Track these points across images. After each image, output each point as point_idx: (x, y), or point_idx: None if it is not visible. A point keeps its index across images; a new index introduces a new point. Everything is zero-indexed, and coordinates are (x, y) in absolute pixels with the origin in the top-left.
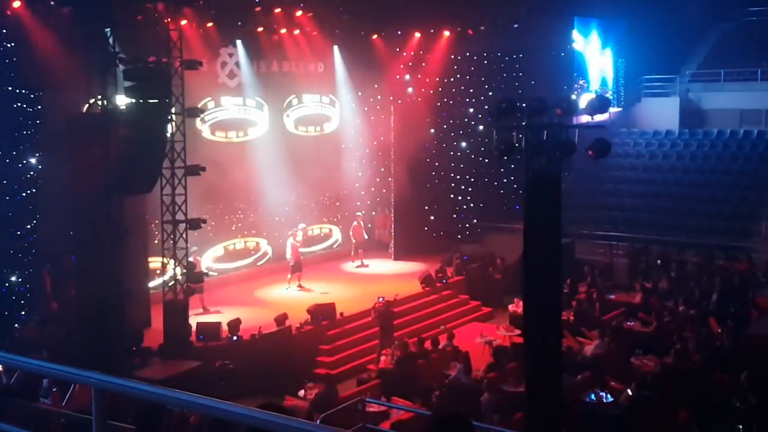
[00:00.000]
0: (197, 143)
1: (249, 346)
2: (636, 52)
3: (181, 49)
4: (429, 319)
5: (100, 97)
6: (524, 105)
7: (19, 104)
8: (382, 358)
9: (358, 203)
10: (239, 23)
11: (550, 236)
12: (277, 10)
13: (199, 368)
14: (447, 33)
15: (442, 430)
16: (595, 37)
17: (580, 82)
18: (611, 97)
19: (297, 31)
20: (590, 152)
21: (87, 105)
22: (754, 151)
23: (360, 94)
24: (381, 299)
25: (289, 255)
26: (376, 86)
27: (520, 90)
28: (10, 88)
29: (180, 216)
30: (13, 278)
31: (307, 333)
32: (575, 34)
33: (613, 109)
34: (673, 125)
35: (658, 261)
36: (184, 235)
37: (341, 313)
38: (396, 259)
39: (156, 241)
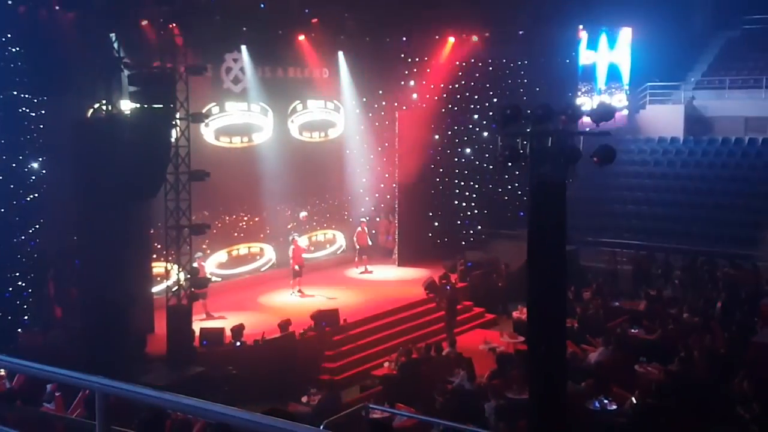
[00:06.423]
0: (201, 148)
1: (252, 352)
2: (641, 59)
3: (186, 54)
4: (433, 326)
5: (104, 101)
6: (529, 112)
7: (23, 109)
8: (386, 364)
9: (362, 209)
10: (244, 28)
11: (555, 243)
12: (282, 16)
13: (202, 374)
14: (452, 39)
15: None
16: (604, 39)
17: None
18: (626, 92)
19: (302, 37)
20: (595, 159)
21: (91, 110)
22: (759, 159)
23: (365, 100)
24: (448, 287)
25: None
26: (380, 92)
27: (525, 97)
28: (14, 93)
29: (184, 221)
30: (17, 283)
31: (310, 339)
32: (584, 50)
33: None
34: (677, 132)
35: (659, 270)
36: (188, 241)
37: (345, 319)
38: (400, 265)
39: (159, 247)
